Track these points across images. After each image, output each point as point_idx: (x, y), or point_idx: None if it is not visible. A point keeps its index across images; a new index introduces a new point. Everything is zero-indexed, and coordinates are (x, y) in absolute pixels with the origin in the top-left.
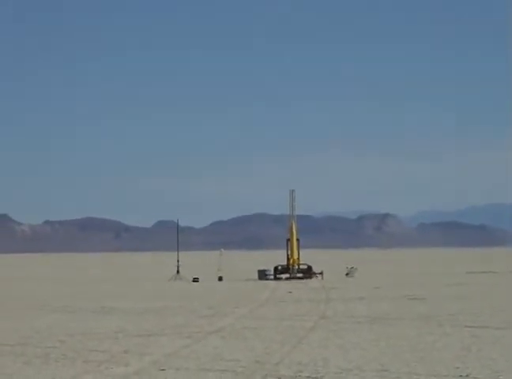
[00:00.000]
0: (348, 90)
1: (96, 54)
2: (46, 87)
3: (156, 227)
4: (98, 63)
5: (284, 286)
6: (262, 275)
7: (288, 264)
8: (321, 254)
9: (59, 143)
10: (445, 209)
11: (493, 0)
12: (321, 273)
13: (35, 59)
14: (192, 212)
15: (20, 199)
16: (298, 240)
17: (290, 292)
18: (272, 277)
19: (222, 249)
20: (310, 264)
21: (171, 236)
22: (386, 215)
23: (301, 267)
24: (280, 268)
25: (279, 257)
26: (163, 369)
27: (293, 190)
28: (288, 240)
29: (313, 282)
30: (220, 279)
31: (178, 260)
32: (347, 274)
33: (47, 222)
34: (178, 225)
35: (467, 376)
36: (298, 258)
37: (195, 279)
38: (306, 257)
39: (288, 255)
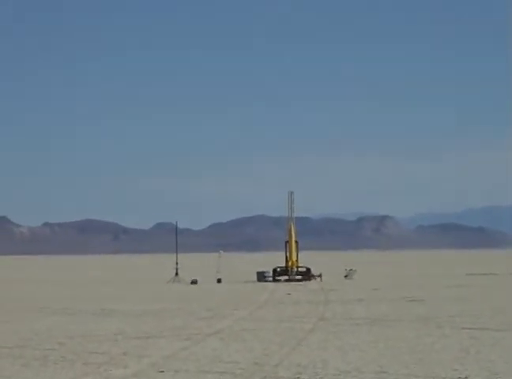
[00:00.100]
0: (348, 90)
1: (95, 54)
2: (46, 87)
3: (154, 229)
4: (98, 63)
5: (283, 288)
6: (261, 277)
7: (286, 266)
8: (320, 256)
9: (59, 143)
10: (443, 211)
11: (493, 0)
12: (319, 275)
13: (35, 59)
14: (191, 214)
15: (19, 201)
16: (296, 242)
17: (289, 294)
18: (271, 279)
19: (221, 251)
20: (308, 266)
21: (169, 238)
22: (385, 217)
23: (300, 269)
24: (278, 270)
25: (278, 259)
26: (161, 371)
27: (292, 192)
28: (287, 242)
29: (312, 284)
30: (219, 281)
31: (176, 263)
32: (346, 276)
33: (46, 224)
34: (176, 227)
35: (465, 378)
36: (297, 260)
37: (194, 281)
38: (305, 259)
39: (286, 257)
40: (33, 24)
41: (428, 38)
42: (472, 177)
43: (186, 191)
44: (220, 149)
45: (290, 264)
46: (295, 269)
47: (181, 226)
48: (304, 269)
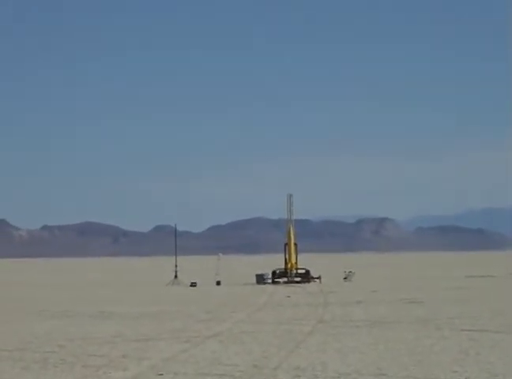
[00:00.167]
0: (348, 90)
1: (96, 54)
2: (46, 87)
3: (153, 231)
4: (98, 63)
5: (282, 290)
6: (260, 279)
7: (286, 269)
8: (319, 258)
9: (59, 143)
10: (442, 213)
11: (493, 0)
12: (319, 277)
13: (35, 59)
14: (190, 217)
15: (18, 204)
16: (296, 244)
17: (288, 296)
18: (270, 281)
19: (220, 254)
20: (308, 269)
21: (168, 241)
22: (384, 220)
23: (299, 271)
24: (278, 272)
25: (277, 262)
26: (161, 374)
27: (291, 195)
28: (286, 244)
29: (311, 286)
30: (218, 283)
31: (176, 265)
32: (345, 278)
33: (44, 227)
34: (176, 230)
35: None
36: (296, 262)
37: (193, 284)
38: (304, 261)
39: (285, 259)
40: (33, 24)
41: (428, 38)
42: (471, 178)
43: (185, 193)
44: (219, 151)
45: (289, 266)
46: (295, 271)
47: (180, 228)
48: (303, 271)
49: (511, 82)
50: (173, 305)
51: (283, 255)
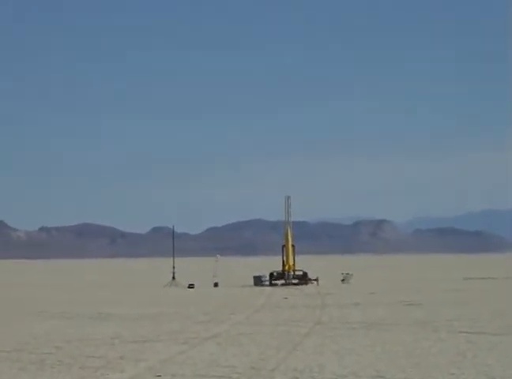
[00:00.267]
0: (348, 90)
1: (95, 54)
2: (46, 87)
3: (151, 233)
4: (98, 63)
5: (280, 292)
6: (258, 281)
7: (283, 270)
8: (317, 260)
9: (59, 143)
10: (440, 215)
11: (493, 0)
12: (316, 279)
13: (35, 59)
14: (188, 218)
15: (16, 205)
16: (293, 246)
17: (285, 298)
18: (267, 283)
19: (218, 255)
20: (305, 271)
21: (166, 242)
22: (382, 221)
23: (296, 273)
24: (275, 274)
25: (274, 263)
26: (158, 376)
27: (289, 197)
28: (284, 246)
29: (308, 288)
30: (216, 285)
31: (173, 267)
32: (342, 280)
33: (42, 228)
34: (173, 231)
35: None
36: (293, 264)
37: (191, 286)
38: (302, 263)
39: (283, 261)
40: (33, 24)
41: (428, 38)
42: (471, 179)
43: (183, 195)
44: (217, 152)
45: (287, 268)
46: (292, 273)
47: (178, 230)
48: (301, 273)
49: (511, 82)
50: (171, 307)
51: (280, 257)
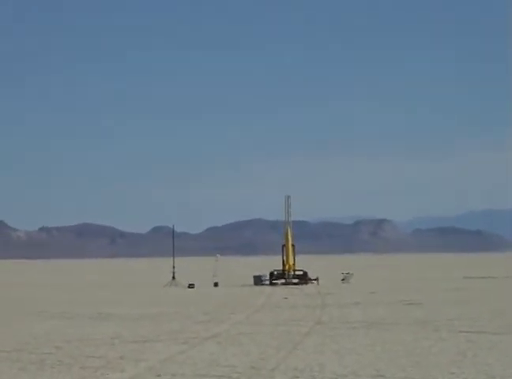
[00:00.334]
0: (348, 90)
1: (95, 54)
2: (46, 87)
3: (151, 232)
4: (98, 63)
5: (280, 291)
6: (258, 280)
7: (283, 270)
8: (317, 260)
9: (59, 143)
10: (441, 214)
11: (493, 0)
12: (316, 279)
13: (35, 59)
14: (188, 218)
15: (16, 205)
16: (293, 246)
17: (286, 298)
18: (267, 283)
19: (218, 255)
20: (305, 270)
21: (166, 242)
22: (382, 221)
23: (297, 273)
24: (275, 273)
25: (275, 263)
26: (158, 376)
27: (289, 196)
28: (284, 246)
29: (308, 287)
30: (216, 284)
31: (173, 266)
32: (343, 280)
33: (42, 228)
34: (173, 231)
35: None
36: (293, 264)
37: (191, 285)
38: (302, 262)
39: (283, 261)
40: (33, 24)
41: (428, 38)
42: (471, 179)
43: (183, 195)
44: (217, 152)
45: (287, 267)
46: (292, 273)
47: (178, 229)
48: (301, 273)
49: (511, 82)
50: (171, 307)
51: (280, 256)
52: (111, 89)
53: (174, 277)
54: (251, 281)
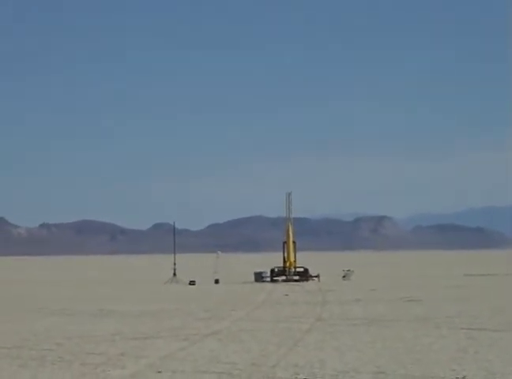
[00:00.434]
0: (348, 90)
1: (95, 54)
2: (46, 87)
3: (152, 229)
4: (98, 63)
5: (281, 288)
6: (259, 277)
7: (284, 267)
8: (318, 257)
9: (59, 143)
10: (441, 212)
11: (493, 0)
12: (317, 276)
13: (35, 59)
14: (188, 215)
15: (16, 202)
16: (294, 242)
17: (286, 295)
18: (268, 279)
19: (219, 252)
20: (306, 267)
21: (167, 239)
22: (383, 218)
23: (297, 269)
24: (276, 270)
25: (276, 260)
26: (159, 372)
27: (290, 193)
28: (285, 242)
29: (309, 284)
30: (217, 281)
31: (174, 263)
32: (343, 276)
33: (43, 225)
34: (174, 227)
35: (463, 378)
36: (294, 261)
37: (192, 282)
38: (303, 259)
39: (284, 257)
40: (33, 24)
41: (428, 38)
42: (471, 178)
43: (184, 192)
44: (218, 150)
45: (288, 264)
46: (293, 270)
47: (179, 226)
48: (302, 270)
49: (511, 82)
50: (171, 304)
51: (281, 253)
52: (111, 89)
53: (175, 274)
54: (252, 278)
